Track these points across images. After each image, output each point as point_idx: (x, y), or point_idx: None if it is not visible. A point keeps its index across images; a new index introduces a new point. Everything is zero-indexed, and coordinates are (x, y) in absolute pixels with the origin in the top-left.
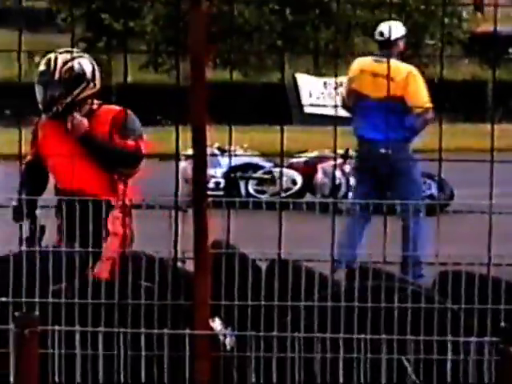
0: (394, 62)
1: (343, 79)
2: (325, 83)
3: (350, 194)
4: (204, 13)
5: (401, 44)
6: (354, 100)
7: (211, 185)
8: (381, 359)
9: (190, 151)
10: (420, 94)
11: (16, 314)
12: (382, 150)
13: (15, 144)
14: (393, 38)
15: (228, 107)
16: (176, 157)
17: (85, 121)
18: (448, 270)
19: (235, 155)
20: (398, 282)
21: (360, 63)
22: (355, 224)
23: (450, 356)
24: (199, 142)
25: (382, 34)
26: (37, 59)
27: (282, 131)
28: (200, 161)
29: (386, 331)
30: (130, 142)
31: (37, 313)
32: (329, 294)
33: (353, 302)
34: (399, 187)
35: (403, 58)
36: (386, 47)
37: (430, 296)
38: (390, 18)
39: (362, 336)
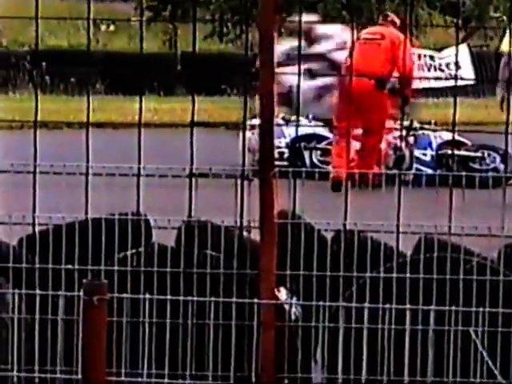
0: None
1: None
2: None
3: (415, 166)
4: None
5: None
6: None
7: (275, 155)
8: (445, 330)
9: (254, 121)
10: None
11: (84, 280)
12: None
13: (77, 112)
14: None
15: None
16: (243, 126)
17: None
18: None
19: (300, 125)
20: (463, 253)
21: None
22: None
23: None
24: (266, 112)
25: None
26: (103, 28)
27: (348, 102)
28: (267, 130)
29: (450, 303)
30: None
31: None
32: (394, 265)
33: (418, 274)
34: None
35: None
36: None
37: (495, 268)
38: None
39: (430, 307)
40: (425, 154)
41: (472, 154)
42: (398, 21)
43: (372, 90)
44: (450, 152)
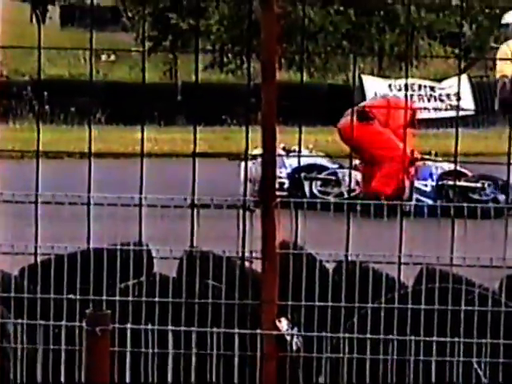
0: None
1: (409, 81)
2: (390, 85)
3: (415, 196)
4: (276, 13)
5: None
6: None
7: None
8: (447, 362)
9: (255, 151)
10: None
11: (87, 311)
12: None
13: (78, 142)
14: None
15: (293, 108)
16: (245, 157)
17: None
18: None
19: (300, 156)
20: (464, 284)
21: None
22: None
23: None
24: (268, 142)
25: None
26: (103, 58)
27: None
28: (269, 160)
29: (452, 334)
30: None
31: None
32: (396, 296)
33: (419, 305)
34: None
35: None
36: None
37: (497, 299)
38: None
39: (432, 338)
40: (425, 185)
41: (472, 184)
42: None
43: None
44: (450, 182)
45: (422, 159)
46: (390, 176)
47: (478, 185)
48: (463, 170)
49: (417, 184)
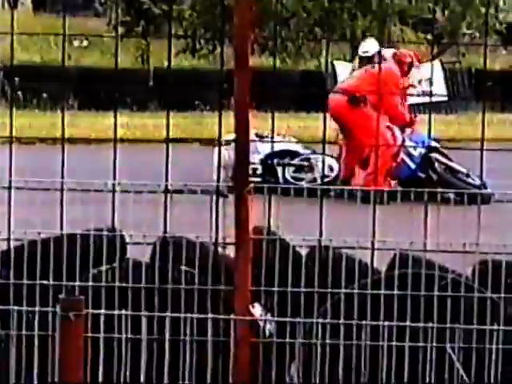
0: None
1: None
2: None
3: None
4: None
5: None
6: None
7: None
8: (420, 347)
9: (228, 137)
10: None
11: (60, 296)
12: None
13: (50, 128)
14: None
15: (266, 94)
16: (218, 142)
17: None
18: (488, 259)
19: (273, 141)
20: (437, 270)
21: None
22: None
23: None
24: (241, 128)
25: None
26: (76, 43)
27: (324, 118)
28: (242, 146)
29: (425, 319)
30: None
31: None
32: (369, 282)
33: (393, 290)
34: None
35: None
36: None
37: (469, 285)
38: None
39: (405, 324)
40: (415, 149)
41: (459, 167)
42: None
43: (346, 106)
44: (439, 157)
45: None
46: (378, 172)
47: (464, 170)
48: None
49: (408, 143)
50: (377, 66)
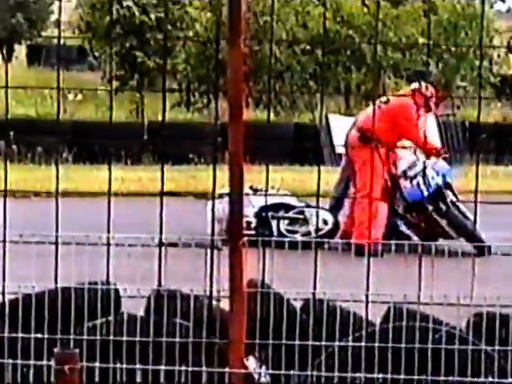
0: None
1: None
2: None
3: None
4: (242, 52)
5: None
6: None
7: (243, 224)
8: None
9: (222, 190)
10: None
11: (55, 349)
12: None
13: (45, 181)
14: None
15: (260, 147)
16: (212, 195)
17: None
18: (483, 311)
19: (267, 195)
20: (432, 322)
21: None
22: None
23: None
24: (235, 181)
25: None
26: (70, 97)
27: (319, 171)
28: (236, 199)
29: (419, 372)
30: None
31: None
32: (363, 334)
33: (387, 343)
34: None
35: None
36: None
37: (464, 337)
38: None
39: (399, 377)
40: (433, 178)
41: (468, 212)
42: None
43: (357, 144)
44: (450, 195)
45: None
46: (369, 223)
47: (470, 216)
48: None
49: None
50: (390, 101)
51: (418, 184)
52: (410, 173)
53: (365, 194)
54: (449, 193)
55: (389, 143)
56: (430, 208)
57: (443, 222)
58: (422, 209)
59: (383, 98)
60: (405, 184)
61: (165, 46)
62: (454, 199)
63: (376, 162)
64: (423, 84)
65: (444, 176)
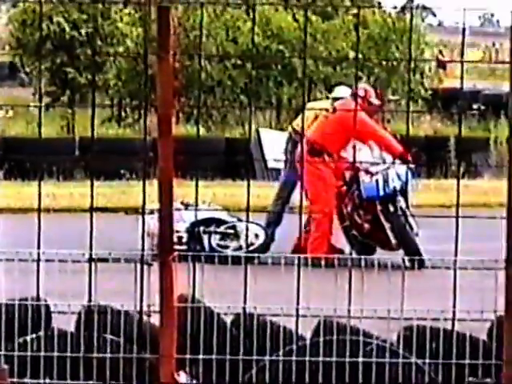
0: None
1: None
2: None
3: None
4: (172, 67)
5: None
6: None
7: (174, 239)
8: None
9: (153, 205)
10: None
11: None
12: None
13: None
14: None
15: (191, 162)
16: (142, 210)
17: None
18: (413, 324)
19: (198, 210)
20: (362, 336)
21: None
22: None
23: None
24: (165, 196)
25: None
26: (1, 113)
27: (248, 186)
28: (166, 214)
29: None
30: None
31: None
32: (294, 349)
33: (318, 357)
34: None
35: None
36: None
37: (394, 350)
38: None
39: None
40: (393, 181)
41: (414, 223)
42: (366, 93)
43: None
44: (402, 202)
45: None
46: (324, 237)
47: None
48: None
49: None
50: (337, 110)
51: (377, 182)
52: (372, 169)
53: (319, 207)
54: (401, 199)
55: (340, 152)
56: (379, 208)
57: (387, 226)
58: (372, 208)
59: (329, 108)
60: (364, 178)
61: (95, 62)
62: (404, 206)
63: (326, 173)
64: (360, 86)
65: (404, 182)
